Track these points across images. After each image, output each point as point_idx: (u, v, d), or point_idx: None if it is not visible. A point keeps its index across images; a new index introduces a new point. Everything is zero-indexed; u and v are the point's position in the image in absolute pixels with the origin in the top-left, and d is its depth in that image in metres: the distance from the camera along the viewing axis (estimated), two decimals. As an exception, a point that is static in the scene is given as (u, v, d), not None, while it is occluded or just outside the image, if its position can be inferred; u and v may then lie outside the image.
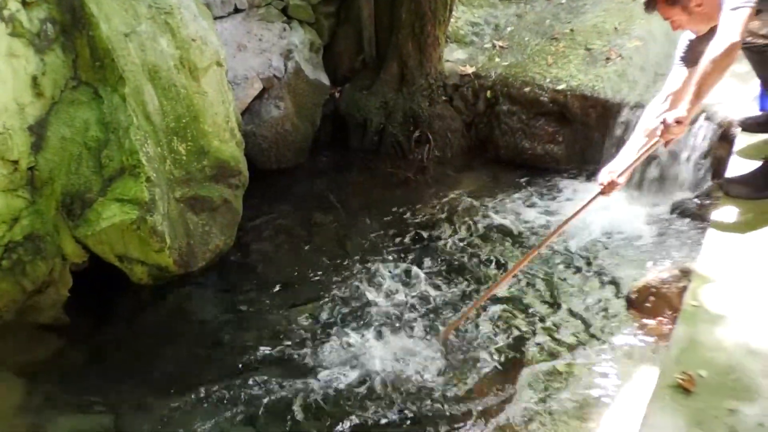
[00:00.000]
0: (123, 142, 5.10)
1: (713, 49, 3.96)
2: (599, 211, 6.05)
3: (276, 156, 7.66)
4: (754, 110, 5.65)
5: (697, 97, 4.05)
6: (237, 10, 7.64)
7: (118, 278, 5.51)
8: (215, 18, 7.01)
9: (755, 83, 5.70)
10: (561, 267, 5.87)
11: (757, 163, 4.79)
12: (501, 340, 5.10)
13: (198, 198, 5.77)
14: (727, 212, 4.55)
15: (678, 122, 4.08)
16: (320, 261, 6.13)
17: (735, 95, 6.23)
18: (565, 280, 5.69)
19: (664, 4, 4.22)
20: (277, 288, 5.82)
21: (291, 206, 7.02)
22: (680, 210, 6.22)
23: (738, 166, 5.00)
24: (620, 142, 6.83)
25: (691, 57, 4.45)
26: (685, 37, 4.55)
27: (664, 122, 4.15)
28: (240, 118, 6.60)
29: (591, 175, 7.08)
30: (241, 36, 7.54)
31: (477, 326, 5.23)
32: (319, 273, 5.97)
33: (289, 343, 5.16)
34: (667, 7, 4.23)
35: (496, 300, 5.48)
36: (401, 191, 7.27)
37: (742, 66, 5.38)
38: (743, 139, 5.29)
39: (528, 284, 5.68)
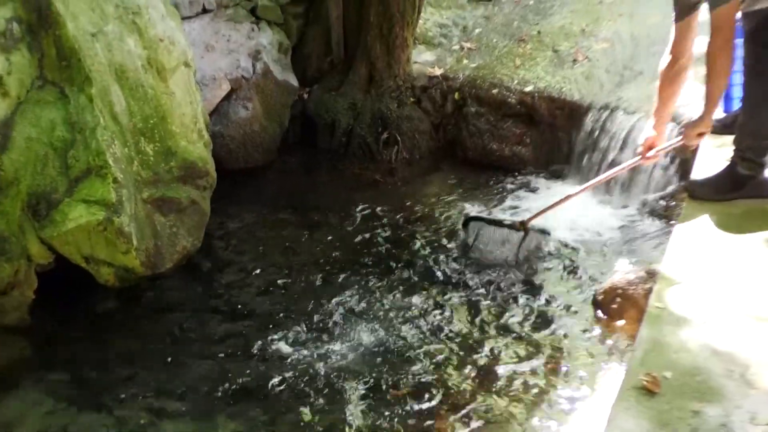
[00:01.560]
0: (90, 142, 5.06)
1: (711, 56, 4.36)
2: (567, 211, 6.09)
3: (244, 156, 7.65)
4: (718, 112, 5.70)
5: (712, 104, 4.57)
6: (205, 11, 7.61)
7: (84, 279, 5.47)
8: (183, 18, 6.97)
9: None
10: (522, 268, 5.89)
11: (721, 165, 4.84)
12: (463, 338, 5.12)
13: (165, 199, 5.73)
14: (692, 214, 4.59)
15: (700, 135, 4.74)
16: (289, 264, 6.12)
17: (700, 97, 6.28)
18: (531, 280, 5.72)
19: None
20: (245, 290, 5.80)
21: (259, 207, 7.01)
22: (648, 211, 6.27)
23: (703, 168, 5.04)
24: (587, 144, 6.90)
25: (679, 11, 4.65)
26: None
27: (686, 134, 4.75)
28: (208, 118, 6.57)
29: (558, 176, 7.14)
30: (209, 36, 7.52)
31: (442, 323, 5.25)
32: (288, 276, 5.95)
33: (257, 347, 5.14)
34: None
35: (459, 299, 5.51)
36: (369, 192, 7.27)
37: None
38: (708, 141, 5.34)
39: (493, 282, 5.70)
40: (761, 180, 4.69)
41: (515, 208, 6.78)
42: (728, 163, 4.81)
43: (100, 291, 5.58)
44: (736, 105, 5.47)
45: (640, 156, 5.02)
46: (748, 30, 4.52)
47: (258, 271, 6.04)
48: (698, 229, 4.42)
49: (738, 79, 5.45)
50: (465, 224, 6.11)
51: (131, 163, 5.43)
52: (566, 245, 6.08)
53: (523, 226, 5.73)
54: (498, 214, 6.54)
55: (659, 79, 4.78)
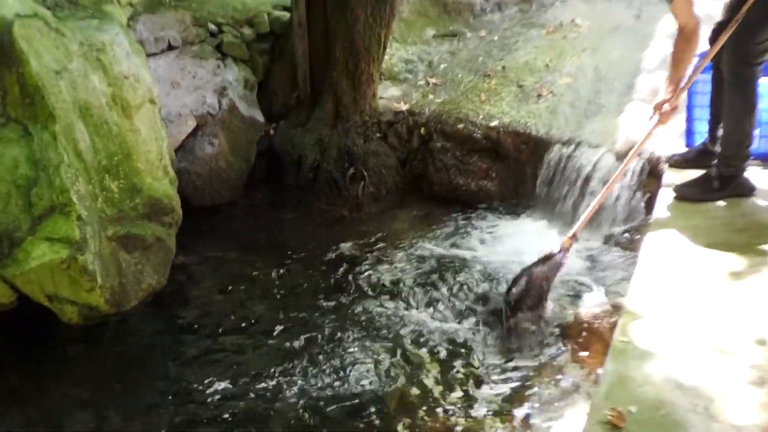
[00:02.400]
0: (53, 180, 5.04)
1: (675, 40, 4.87)
2: (531, 245, 6.12)
3: (210, 193, 7.63)
4: (680, 147, 5.78)
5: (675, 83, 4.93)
6: (171, 48, 7.62)
7: (48, 318, 5.42)
8: (148, 55, 6.98)
9: (681, 119, 5.85)
10: (489, 305, 5.89)
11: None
12: (430, 369, 5.11)
13: (130, 236, 5.71)
14: (655, 247, 4.62)
15: (673, 111, 5.00)
16: (255, 301, 6.08)
17: (662, 132, 6.36)
18: (496, 315, 5.72)
19: None
20: (211, 329, 5.76)
21: (225, 244, 6.98)
22: (613, 244, 6.31)
23: (667, 202, 5.10)
24: (552, 178, 6.94)
25: None
26: None
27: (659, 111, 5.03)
28: (173, 155, 6.55)
29: (523, 211, 7.17)
30: (175, 73, 7.52)
31: (405, 362, 5.24)
32: (254, 314, 5.91)
33: (221, 386, 5.10)
34: None
35: (420, 330, 5.51)
36: (336, 228, 7.26)
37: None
38: (671, 176, 5.40)
39: (459, 314, 5.70)
40: (742, 180, 5.05)
41: (484, 238, 6.82)
42: (710, 166, 5.12)
43: (63, 329, 5.53)
44: (699, 139, 5.56)
45: (657, 120, 5.12)
46: (729, 48, 4.78)
47: (224, 309, 6.00)
48: (662, 261, 4.45)
49: (698, 114, 5.55)
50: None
51: (96, 200, 5.40)
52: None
53: (570, 241, 5.47)
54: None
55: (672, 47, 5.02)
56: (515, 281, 5.46)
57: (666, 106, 4.98)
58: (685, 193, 5.12)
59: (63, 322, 5.43)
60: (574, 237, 5.27)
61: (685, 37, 4.86)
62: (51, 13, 5.65)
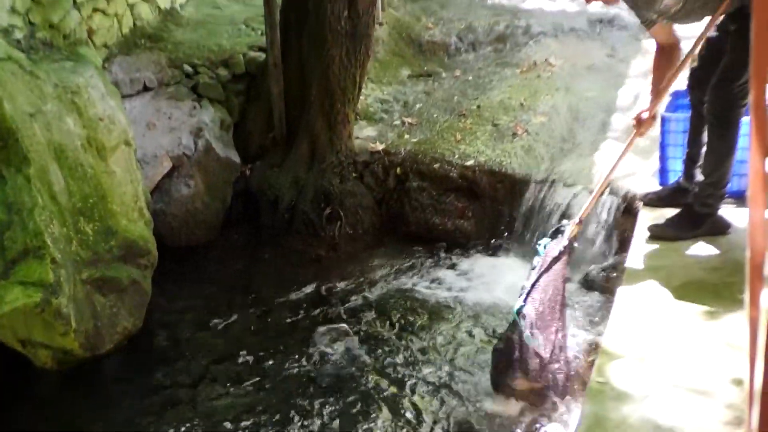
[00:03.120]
0: (27, 223, 5.01)
1: (655, 57, 4.95)
2: (509, 287, 6.13)
3: (186, 234, 7.60)
4: (654, 185, 5.81)
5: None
6: (146, 89, 7.63)
7: (21, 362, 5.36)
8: (124, 96, 6.98)
9: (655, 158, 5.89)
10: (469, 346, 5.88)
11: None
12: (405, 410, 5.09)
13: (105, 279, 5.67)
14: (631, 286, 4.62)
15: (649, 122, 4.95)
16: (231, 345, 6.05)
17: (636, 170, 6.41)
18: (474, 357, 5.71)
19: None
20: (187, 372, 5.72)
21: (202, 285, 6.95)
22: (588, 283, 6.32)
23: (642, 240, 5.12)
24: (528, 216, 6.97)
25: (646, 26, 4.95)
26: None
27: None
28: (149, 196, 6.54)
29: (500, 250, 7.18)
30: (151, 114, 7.51)
31: (392, 404, 5.21)
32: (230, 357, 5.88)
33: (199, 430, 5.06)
34: None
35: (397, 373, 5.49)
36: (313, 269, 7.24)
37: (643, 140, 5.55)
38: (646, 214, 5.42)
39: (434, 358, 5.69)
40: (717, 218, 5.05)
41: (461, 277, 6.82)
42: (686, 205, 5.14)
43: (37, 374, 5.47)
44: (672, 178, 5.59)
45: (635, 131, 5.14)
46: (713, 91, 4.80)
47: (200, 351, 5.97)
48: (638, 301, 4.45)
49: (672, 152, 5.59)
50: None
51: (70, 243, 5.37)
52: (507, 320, 6.10)
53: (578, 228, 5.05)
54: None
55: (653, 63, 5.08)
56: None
57: (645, 114, 5.02)
58: (661, 232, 5.12)
59: (37, 366, 5.38)
60: (581, 223, 5.01)
61: (665, 55, 4.92)
62: (25, 55, 5.65)
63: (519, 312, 4.70)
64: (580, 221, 4.94)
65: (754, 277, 2.16)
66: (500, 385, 4.99)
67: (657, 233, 5.11)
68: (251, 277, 7.17)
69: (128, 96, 7.35)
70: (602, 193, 5.44)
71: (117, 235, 5.75)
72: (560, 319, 4.75)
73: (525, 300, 4.71)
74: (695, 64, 5.13)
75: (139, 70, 7.66)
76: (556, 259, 4.80)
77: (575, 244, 5.29)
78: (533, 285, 4.76)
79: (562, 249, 4.81)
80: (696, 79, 5.03)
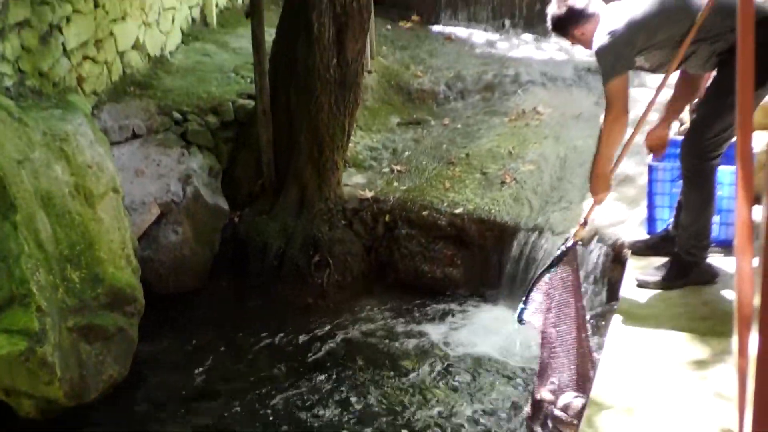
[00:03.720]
0: (13, 270, 4.98)
1: (603, 125, 4.73)
2: (489, 335, 6.12)
3: (174, 281, 7.55)
4: (642, 234, 5.82)
5: (599, 166, 4.81)
6: (135, 136, 7.63)
7: (4, 411, 5.30)
8: (113, 143, 6.99)
9: (643, 207, 5.90)
10: (455, 395, 5.85)
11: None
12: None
13: (92, 327, 5.62)
14: (620, 336, 4.61)
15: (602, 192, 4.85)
16: (218, 394, 6.01)
17: (625, 218, 6.42)
18: (455, 407, 5.68)
19: (556, 34, 5.02)
20: (174, 421, 5.66)
21: (189, 334, 6.90)
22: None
23: (630, 289, 5.11)
24: (517, 265, 6.96)
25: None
26: None
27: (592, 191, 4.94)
28: (136, 243, 6.52)
29: (489, 297, 7.16)
30: (139, 161, 7.51)
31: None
32: (217, 407, 5.83)
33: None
34: (560, 36, 5.02)
35: (391, 419, 5.44)
36: (301, 317, 7.19)
37: (631, 189, 5.58)
38: (633, 263, 5.42)
39: (418, 405, 5.65)
40: (705, 267, 5.05)
41: (449, 326, 6.80)
42: (673, 254, 5.12)
43: (20, 424, 5.40)
44: (660, 226, 5.60)
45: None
46: (684, 144, 4.86)
47: (186, 402, 5.92)
48: (627, 350, 4.44)
49: (659, 201, 5.60)
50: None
51: (56, 290, 5.34)
52: (497, 371, 6.09)
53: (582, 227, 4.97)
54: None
55: (601, 141, 4.90)
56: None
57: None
58: (648, 281, 5.12)
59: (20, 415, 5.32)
60: (585, 224, 4.93)
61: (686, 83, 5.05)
62: (14, 103, 5.66)
63: (521, 319, 4.68)
64: (585, 222, 4.92)
65: (742, 328, 2.15)
66: None
67: (645, 282, 5.11)
68: (239, 325, 7.11)
69: (117, 143, 7.34)
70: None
71: (104, 282, 5.72)
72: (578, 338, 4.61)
73: (525, 303, 4.69)
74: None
75: (129, 117, 7.67)
76: (558, 259, 4.73)
77: (580, 247, 5.06)
78: (533, 285, 4.74)
79: (564, 249, 4.75)
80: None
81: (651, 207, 5.76)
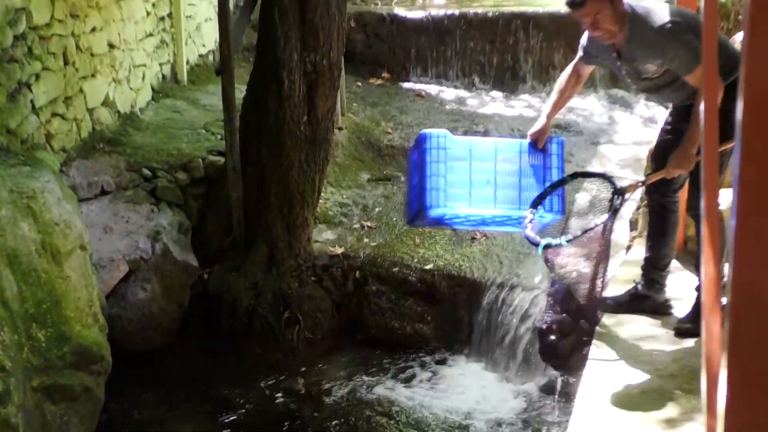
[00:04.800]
0: (-23, 330, 4.91)
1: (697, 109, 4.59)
2: (464, 391, 6.09)
3: (142, 339, 7.47)
4: (612, 291, 5.83)
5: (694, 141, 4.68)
6: (104, 192, 7.59)
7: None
8: (81, 200, 6.95)
9: (614, 264, 5.92)
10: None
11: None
12: None
13: (57, 387, 5.53)
14: (590, 394, 4.59)
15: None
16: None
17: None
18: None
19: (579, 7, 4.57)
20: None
21: (157, 392, 6.83)
22: (547, 388, 6.28)
23: (601, 347, 5.11)
24: (487, 321, 6.96)
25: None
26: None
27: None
28: (104, 301, 6.46)
29: (459, 353, 7.14)
30: (108, 218, 7.46)
31: None
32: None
33: None
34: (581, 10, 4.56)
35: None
36: (271, 374, 7.14)
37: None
38: (604, 320, 5.42)
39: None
40: (660, 301, 5.28)
41: (420, 383, 6.77)
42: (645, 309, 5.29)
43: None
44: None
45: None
46: (649, 191, 5.15)
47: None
48: (597, 409, 4.42)
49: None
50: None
51: (21, 350, 5.25)
52: (467, 424, 6.06)
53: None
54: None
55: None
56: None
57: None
58: (607, 307, 5.26)
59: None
60: (642, 185, 5.02)
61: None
62: (-19, 160, 5.63)
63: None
64: (644, 183, 5.00)
65: (711, 386, 2.15)
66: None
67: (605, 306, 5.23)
68: (208, 382, 7.05)
69: (86, 200, 7.31)
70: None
71: (70, 341, 5.64)
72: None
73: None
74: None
75: (98, 173, 7.64)
76: (615, 210, 4.59)
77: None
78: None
79: (620, 201, 4.61)
80: (652, 184, 5.10)
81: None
